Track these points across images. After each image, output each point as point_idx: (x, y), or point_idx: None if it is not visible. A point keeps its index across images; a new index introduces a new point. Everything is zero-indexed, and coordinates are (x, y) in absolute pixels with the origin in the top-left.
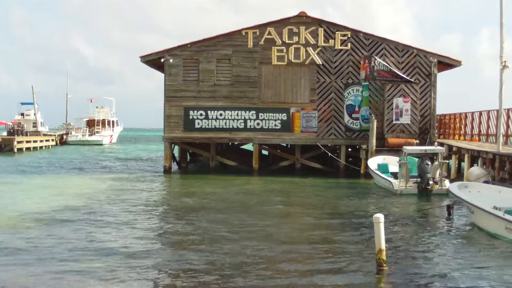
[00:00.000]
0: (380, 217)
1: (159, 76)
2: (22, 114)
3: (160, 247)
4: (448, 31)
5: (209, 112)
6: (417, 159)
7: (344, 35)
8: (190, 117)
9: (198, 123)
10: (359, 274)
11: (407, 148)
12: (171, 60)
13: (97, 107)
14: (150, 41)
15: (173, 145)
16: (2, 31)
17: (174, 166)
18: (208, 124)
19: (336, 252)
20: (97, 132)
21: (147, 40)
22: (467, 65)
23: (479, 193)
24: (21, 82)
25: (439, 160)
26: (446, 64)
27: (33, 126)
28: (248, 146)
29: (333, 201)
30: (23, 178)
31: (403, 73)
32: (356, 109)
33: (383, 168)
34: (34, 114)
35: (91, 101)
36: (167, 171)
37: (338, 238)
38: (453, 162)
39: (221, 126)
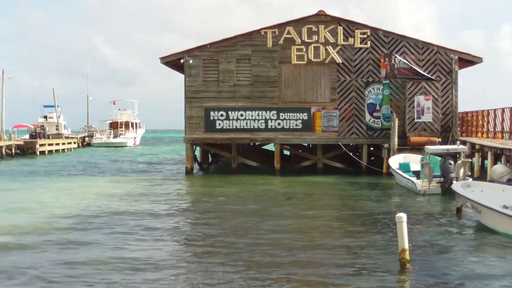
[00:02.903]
0: (402, 216)
1: (179, 77)
2: (45, 117)
3: (181, 249)
4: (470, 27)
5: (229, 112)
6: (439, 159)
7: (364, 33)
8: (211, 118)
9: (219, 124)
10: (382, 274)
11: (430, 148)
12: (190, 61)
13: (119, 109)
14: (170, 42)
15: (194, 146)
16: (23, 35)
17: (196, 167)
18: (229, 125)
19: (359, 252)
20: (121, 134)
21: (167, 40)
22: (490, 61)
23: (483, 192)
24: (44, 85)
25: (462, 159)
26: (467, 61)
27: (56, 129)
28: (270, 146)
29: (355, 200)
30: (48, 181)
31: (424, 71)
32: (377, 107)
33: (405, 167)
34: (57, 116)
35: (114, 103)
36: (189, 172)
37: (360, 238)
38: (476, 160)
39: (242, 127)
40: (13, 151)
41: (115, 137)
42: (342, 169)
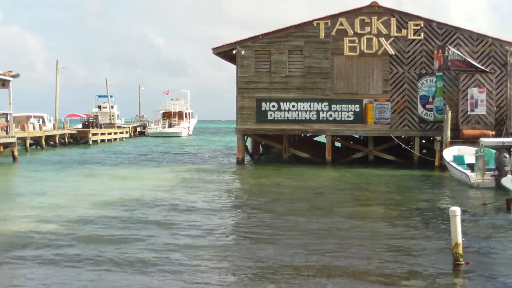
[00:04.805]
0: (456, 210)
1: (231, 68)
2: (99, 107)
3: (231, 238)
4: None
5: (281, 103)
6: (494, 152)
7: (417, 25)
8: (263, 108)
9: (271, 115)
10: (435, 269)
11: (484, 141)
12: (243, 52)
13: (172, 99)
14: (223, 32)
15: (246, 136)
16: (79, 24)
17: (247, 158)
18: (280, 116)
19: (411, 245)
20: (174, 124)
21: (220, 30)
22: None
23: None
24: (97, 74)
25: None
26: None
27: (110, 119)
28: (321, 138)
29: (407, 193)
30: (101, 169)
31: (478, 63)
32: (430, 100)
33: (459, 159)
34: (111, 106)
35: (167, 94)
36: (240, 162)
37: (413, 231)
38: None
39: (293, 118)
40: (66, 140)
41: (169, 127)
42: (393, 161)
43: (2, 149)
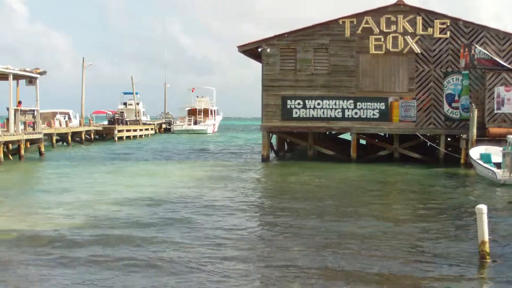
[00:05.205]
0: (483, 208)
1: (256, 66)
2: (125, 104)
3: (256, 235)
4: None
5: (306, 101)
6: None
7: (443, 23)
8: (288, 106)
9: (296, 112)
10: (461, 267)
11: None
12: (268, 50)
13: (197, 96)
14: (248, 30)
15: (271, 134)
16: (103, 22)
17: (272, 155)
18: (305, 114)
19: (436, 244)
20: (199, 121)
21: (245, 29)
22: None
23: None
24: (122, 71)
25: None
26: None
27: (135, 116)
28: (346, 135)
29: (433, 190)
30: (126, 165)
31: (505, 61)
32: (456, 98)
33: (486, 158)
34: (137, 103)
35: (193, 91)
36: (265, 159)
37: (438, 229)
38: None
39: (318, 116)
40: (92, 136)
41: (194, 124)
42: (418, 159)
43: (29, 145)
